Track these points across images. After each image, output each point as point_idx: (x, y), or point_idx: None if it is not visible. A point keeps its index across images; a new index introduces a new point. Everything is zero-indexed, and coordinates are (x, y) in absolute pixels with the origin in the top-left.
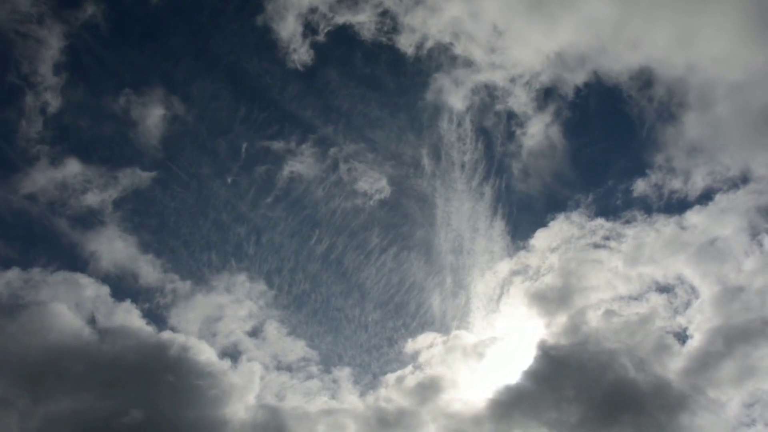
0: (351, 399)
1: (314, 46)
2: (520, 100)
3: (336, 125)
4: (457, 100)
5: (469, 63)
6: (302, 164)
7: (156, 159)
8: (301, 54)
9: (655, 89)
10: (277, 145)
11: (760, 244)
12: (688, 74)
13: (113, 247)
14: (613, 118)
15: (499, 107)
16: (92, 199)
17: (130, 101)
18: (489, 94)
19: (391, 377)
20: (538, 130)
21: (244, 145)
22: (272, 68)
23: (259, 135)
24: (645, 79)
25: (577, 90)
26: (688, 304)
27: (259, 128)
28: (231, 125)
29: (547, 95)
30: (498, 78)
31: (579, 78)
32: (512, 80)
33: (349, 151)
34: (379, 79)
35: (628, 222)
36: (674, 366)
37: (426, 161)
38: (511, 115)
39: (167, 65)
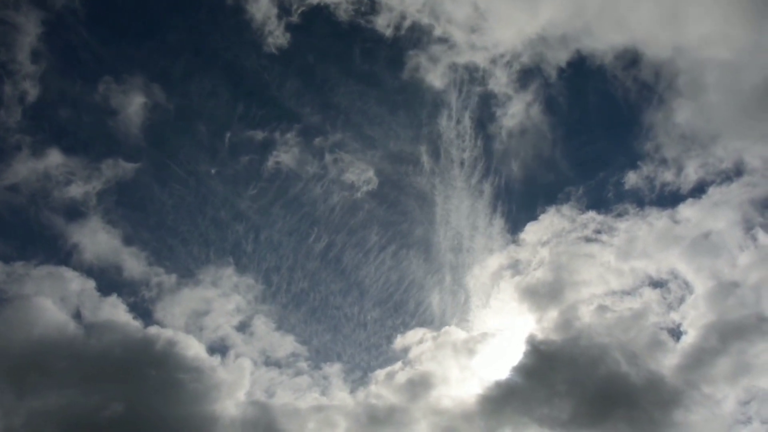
0: (341, 395)
1: (289, 28)
2: (500, 81)
3: (324, 115)
4: (435, 78)
5: (449, 43)
6: (287, 154)
7: (139, 149)
8: (277, 37)
9: (642, 71)
10: (262, 135)
11: (755, 239)
12: (676, 56)
13: (97, 239)
14: (599, 102)
15: (479, 89)
16: (76, 190)
17: (110, 89)
18: (469, 75)
19: (380, 373)
20: (519, 110)
21: (228, 134)
22: (249, 52)
23: (243, 124)
24: (630, 58)
25: (560, 70)
26: (681, 300)
27: (243, 117)
28: (214, 114)
29: (528, 76)
30: (478, 59)
31: (562, 58)
32: (493, 61)
33: (335, 141)
34: (373, 73)
35: (619, 215)
36: (668, 362)
37: (425, 158)
38: (490, 96)
39: (147, 52)
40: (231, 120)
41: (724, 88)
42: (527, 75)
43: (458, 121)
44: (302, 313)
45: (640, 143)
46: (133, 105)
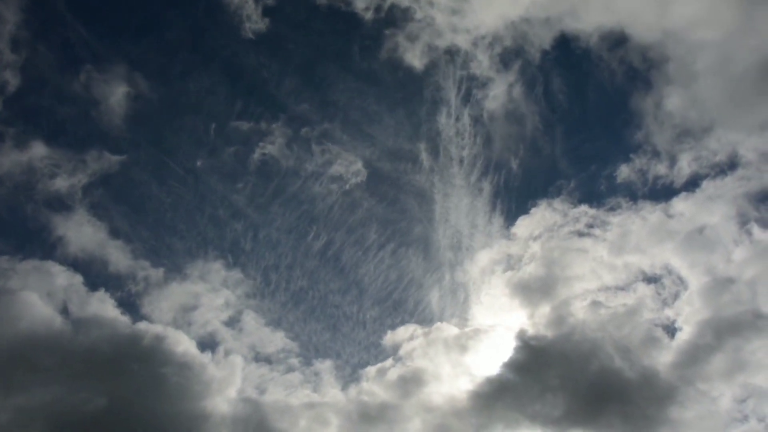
0: (333, 392)
1: (268, 12)
2: (483, 64)
3: (310, 103)
4: (413, 57)
5: (429, 25)
6: (273, 145)
7: (124, 141)
8: (255, 22)
9: (630, 55)
10: (247, 125)
11: (750, 233)
12: (665, 38)
13: (82, 232)
14: (586, 88)
15: (461, 72)
16: (61, 183)
17: (92, 79)
18: (450, 57)
19: (371, 370)
20: (501, 92)
21: (214, 125)
22: (229, 38)
23: (229, 114)
24: (615, 39)
25: (544, 53)
26: (676, 296)
27: (230, 107)
28: (201, 105)
29: (511, 57)
30: (460, 41)
31: (546, 39)
32: (474, 43)
33: (335, 138)
34: (352, 53)
35: (612, 209)
36: (663, 359)
37: (424, 156)
38: (471, 78)
39: (128, 40)
40: (219, 111)
41: (715, 72)
42: (510, 57)
43: (457, 119)
44: (292, 309)
45: (631, 132)
46: (117, 95)
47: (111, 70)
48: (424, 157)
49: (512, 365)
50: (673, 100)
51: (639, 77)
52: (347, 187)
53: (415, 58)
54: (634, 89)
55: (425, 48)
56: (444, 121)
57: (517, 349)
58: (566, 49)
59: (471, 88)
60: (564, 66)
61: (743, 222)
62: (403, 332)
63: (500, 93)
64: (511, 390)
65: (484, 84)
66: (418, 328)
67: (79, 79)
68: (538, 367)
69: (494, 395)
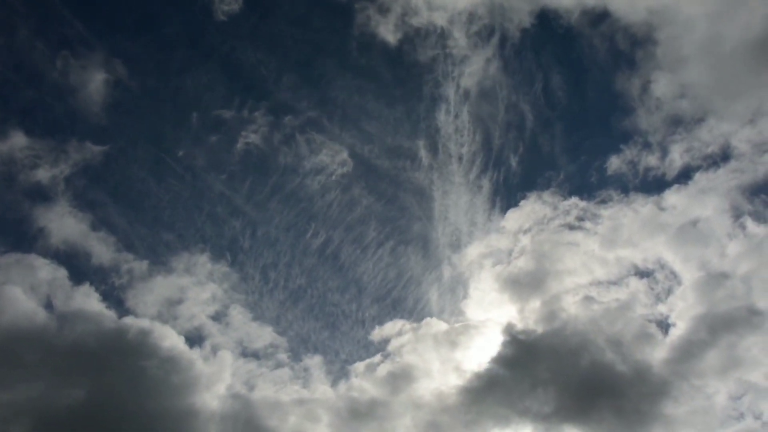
0: (323, 388)
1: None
2: (459, 42)
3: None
4: (387, 32)
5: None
6: (256, 134)
7: (106, 131)
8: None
9: (615, 36)
10: (229, 114)
11: (743, 227)
12: (650, 17)
13: (65, 225)
14: (568, 70)
15: (435, 51)
16: (42, 174)
17: (69, 65)
18: (427, 35)
19: (360, 365)
20: (477, 69)
21: (195, 114)
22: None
23: (213, 102)
24: (598, 14)
25: (524, 31)
26: (669, 291)
27: (212, 93)
28: (183, 93)
29: (488, 35)
30: (436, 18)
31: (525, 16)
32: (450, 20)
33: (333, 135)
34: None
35: (603, 202)
36: (656, 355)
37: (423, 153)
38: (447, 56)
39: (105, 24)
40: (201, 98)
41: (704, 53)
42: (487, 34)
43: (456, 116)
44: (280, 303)
45: (618, 118)
46: (94, 81)
47: (88, 57)
48: (423, 154)
49: (502, 361)
50: (661, 86)
51: (624, 59)
52: (344, 181)
53: (389, 33)
54: (620, 74)
55: (399, 23)
56: (443, 118)
57: (506, 345)
58: (547, 26)
59: (449, 65)
60: (545, 45)
61: (737, 215)
62: (391, 328)
63: (476, 70)
64: (501, 386)
65: (461, 61)
66: (406, 324)
67: (56, 67)
68: (529, 363)
69: (484, 391)
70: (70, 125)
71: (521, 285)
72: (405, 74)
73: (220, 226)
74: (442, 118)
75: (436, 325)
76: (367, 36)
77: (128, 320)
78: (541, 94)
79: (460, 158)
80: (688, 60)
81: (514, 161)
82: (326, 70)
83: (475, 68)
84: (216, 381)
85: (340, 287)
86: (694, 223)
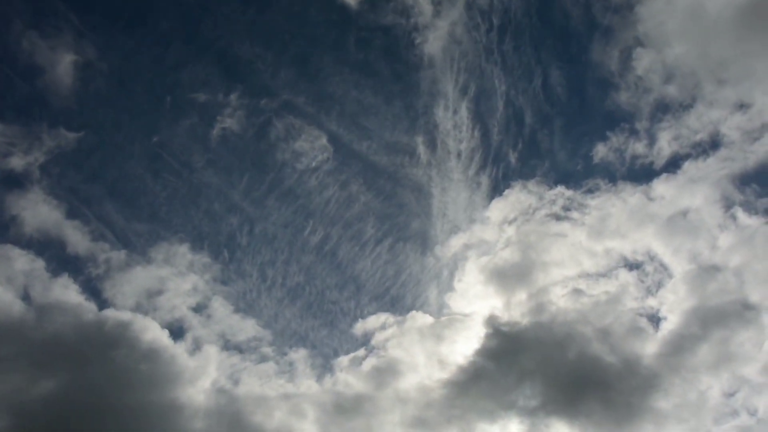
0: (308, 383)
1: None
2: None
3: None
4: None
5: None
6: (232, 119)
7: (80, 118)
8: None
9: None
10: (204, 98)
11: (734, 218)
12: None
13: (39, 213)
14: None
15: (390, 17)
16: (16, 162)
17: (35, 45)
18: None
19: (344, 359)
20: (442, 34)
21: (168, 98)
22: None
23: (188, 86)
24: None
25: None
26: (659, 284)
27: (184, 73)
28: (155, 77)
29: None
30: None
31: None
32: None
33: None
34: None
35: (590, 191)
36: (647, 350)
37: (421, 149)
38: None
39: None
40: (174, 82)
41: (687, 26)
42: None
43: (455, 111)
44: (262, 295)
45: (601, 98)
46: (63, 63)
47: (58, 37)
48: (422, 150)
49: (489, 354)
50: (644, 64)
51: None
52: (342, 177)
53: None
54: (600, 50)
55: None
56: (442, 113)
57: (490, 338)
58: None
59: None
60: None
61: (728, 206)
62: (374, 321)
63: (442, 35)
64: (488, 379)
65: (425, 27)
66: (389, 317)
67: (22, 47)
68: (516, 356)
69: (471, 385)
70: (44, 111)
71: (507, 277)
72: (403, 69)
73: (203, 215)
74: (441, 114)
75: (421, 319)
76: (366, 30)
77: (108, 312)
78: (541, 89)
79: (459, 154)
80: (670, 35)
81: (513, 157)
82: (324, 65)
83: (440, 33)
84: (199, 375)
85: (328, 280)
86: (684, 213)
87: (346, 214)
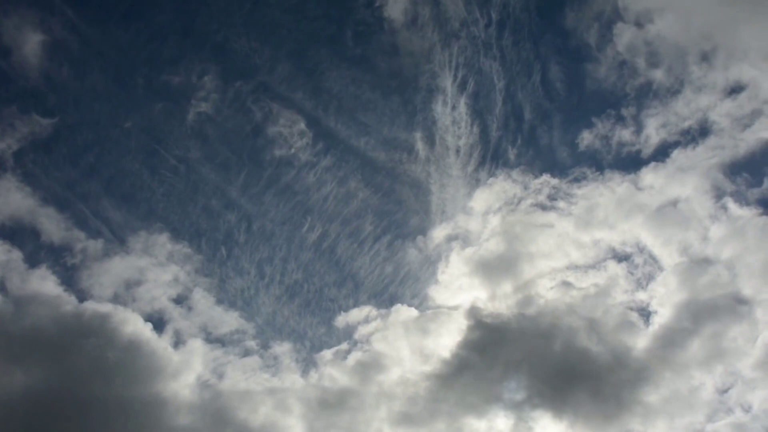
0: (293, 377)
1: None
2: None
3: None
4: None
5: None
6: (207, 102)
7: (54, 103)
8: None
9: None
10: (177, 80)
11: (725, 209)
12: None
13: (10, 200)
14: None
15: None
16: None
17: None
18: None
19: (327, 353)
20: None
21: (140, 81)
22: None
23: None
24: None
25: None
26: (649, 276)
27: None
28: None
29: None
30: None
31: None
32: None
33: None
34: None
35: (577, 180)
36: (638, 344)
37: (420, 146)
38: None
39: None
40: (145, 62)
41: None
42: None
43: (454, 107)
44: (246, 286)
45: (582, 77)
46: (30, 42)
47: (23, 16)
48: (420, 146)
49: (473, 348)
50: (625, 40)
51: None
52: (340, 173)
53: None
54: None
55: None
56: (440, 109)
57: (473, 330)
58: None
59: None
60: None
61: (718, 196)
62: (356, 314)
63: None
64: (476, 373)
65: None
66: (372, 310)
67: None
68: (503, 350)
69: (456, 379)
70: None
71: (493, 269)
72: (401, 64)
73: (183, 203)
74: (440, 110)
75: (404, 312)
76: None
77: (88, 304)
78: (540, 85)
79: (458, 150)
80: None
81: (512, 154)
82: (321, 60)
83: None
84: (183, 368)
85: (326, 276)
86: (674, 204)
87: (344, 211)
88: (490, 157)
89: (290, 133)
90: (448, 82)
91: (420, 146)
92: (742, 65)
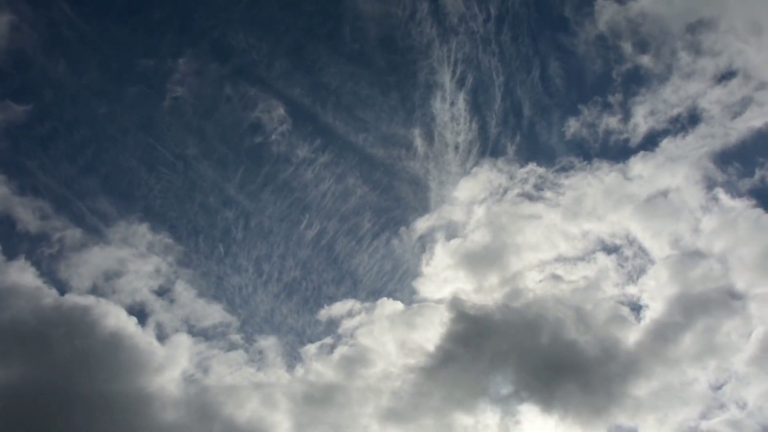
0: (279, 372)
1: None
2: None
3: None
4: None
5: None
6: (183, 87)
7: (28, 88)
8: None
9: None
10: (149, 63)
11: (717, 200)
12: None
13: None
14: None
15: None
16: None
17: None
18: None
19: (312, 347)
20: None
21: (115, 65)
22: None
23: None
24: None
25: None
26: (640, 268)
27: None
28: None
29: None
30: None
31: None
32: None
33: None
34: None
35: (564, 169)
36: (629, 338)
37: (419, 142)
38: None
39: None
40: (124, 49)
41: None
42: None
43: (452, 103)
44: (227, 279)
45: (565, 63)
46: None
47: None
48: (419, 143)
49: (459, 341)
50: (605, 17)
51: None
52: (338, 170)
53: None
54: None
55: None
56: (439, 105)
57: (459, 324)
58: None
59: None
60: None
61: (709, 186)
62: (340, 308)
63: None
64: (464, 367)
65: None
66: (356, 303)
67: None
68: (490, 344)
69: (443, 372)
70: None
71: (479, 261)
72: (399, 60)
73: (164, 193)
74: (438, 106)
75: (390, 306)
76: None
77: (69, 296)
78: (539, 80)
79: (457, 147)
80: None
81: (511, 150)
82: (319, 56)
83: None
84: (167, 362)
85: (325, 272)
86: (664, 194)
87: (342, 208)
88: (489, 153)
89: (288, 129)
90: (446, 78)
91: (418, 142)
92: (731, 49)
